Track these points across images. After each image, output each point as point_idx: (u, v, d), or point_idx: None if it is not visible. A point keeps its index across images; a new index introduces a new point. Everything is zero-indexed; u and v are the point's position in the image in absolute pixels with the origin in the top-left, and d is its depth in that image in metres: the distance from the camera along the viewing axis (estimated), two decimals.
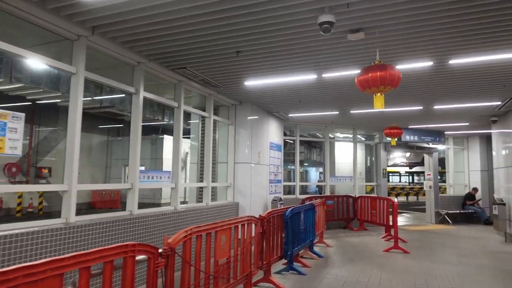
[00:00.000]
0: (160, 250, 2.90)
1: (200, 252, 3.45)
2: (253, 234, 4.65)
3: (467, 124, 10.43)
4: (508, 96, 7.12)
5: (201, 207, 6.58)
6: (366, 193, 12.74)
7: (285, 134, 11.21)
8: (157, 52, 4.99)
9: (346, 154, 12.37)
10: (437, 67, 5.39)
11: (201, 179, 7.64)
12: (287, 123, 10.66)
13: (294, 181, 10.85)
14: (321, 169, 28.43)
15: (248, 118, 8.17)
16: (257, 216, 4.84)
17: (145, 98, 5.53)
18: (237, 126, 8.19)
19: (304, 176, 37.98)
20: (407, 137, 11.31)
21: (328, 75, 5.84)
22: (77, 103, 4.23)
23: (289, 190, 10.87)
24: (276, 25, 4.02)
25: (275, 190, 9.50)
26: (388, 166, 34.34)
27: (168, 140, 18.69)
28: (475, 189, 12.51)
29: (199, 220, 6.34)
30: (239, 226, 4.28)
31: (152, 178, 5.64)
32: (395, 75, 3.85)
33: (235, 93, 7.35)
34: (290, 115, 9.49)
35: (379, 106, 4.00)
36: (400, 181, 37.66)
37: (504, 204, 8.78)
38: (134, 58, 5.10)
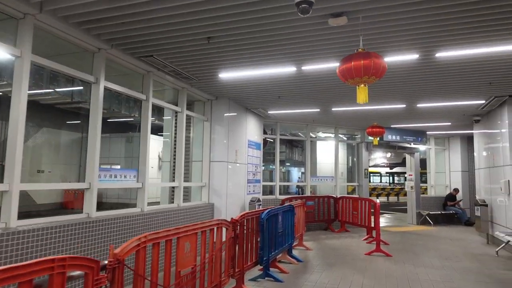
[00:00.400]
0: (106, 262, 2.43)
1: (157, 262, 2.98)
2: (224, 239, 4.21)
3: (450, 124, 10.28)
4: (492, 95, 6.91)
5: (172, 208, 6.09)
6: (348, 193, 12.49)
7: (265, 132, 10.81)
8: (120, 36, 4.49)
9: (328, 154, 12.08)
10: (423, 61, 5.08)
11: (173, 179, 7.14)
12: (267, 121, 10.25)
13: (274, 181, 10.45)
14: (303, 169, 28.23)
15: (225, 114, 7.72)
16: (230, 219, 4.40)
17: (113, 91, 5.02)
18: (213, 123, 7.73)
19: (286, 176, 37.78)
20: (389, 137, 11.09)
21: (308, 67, 5.45)
22: (20, 91, 3.69)
23: (270, 190, 10.47)
24: (250, 7, 3.59)
25: (254, 190, 9.08)
26: (370, 166, 34.55)
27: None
28: (456, 190, 12.43)
29: (169, 223, 5.85)
30: (207, 231, 3.83)
31: (115, 177, 5.12)
32: (380, 64, 3.48)
33: (210, 87, 6.89)
34: (269, 112, 9.09)
35: (362, 98, 3.62)
36: (381, 182, 37.89)
37: (486, 206, 8.62)
38: (93, 43, 4.57)
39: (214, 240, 3.97)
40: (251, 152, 9.03)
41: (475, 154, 10.00)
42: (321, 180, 11.30)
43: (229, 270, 4.27)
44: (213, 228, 3.90)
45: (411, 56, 4.88)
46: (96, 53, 4.76)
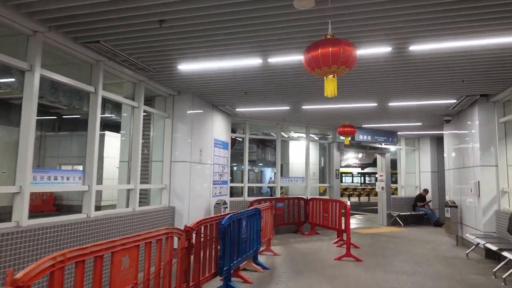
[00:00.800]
0: None
1: (81, 286, 2.44)
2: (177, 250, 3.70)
3: (420, 124, 10.18)
4: (464, 93, 6.75)
5: (125, 213, 5.50)
6: (320, 194, 12.22)
7: (234, 131, 10.34)
8: (59, 16, 3.87)
9: (302, 154, 11.74)
10: (396, 55, 4.77)
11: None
12: (236, 119, 9.78)
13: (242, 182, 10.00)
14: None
15: (188, 112, 7.17)
16: (184, 227, 3.90)
17: (56, 82, 4.40)
18: (175, 120, 7.17)
19: (259, 177, 37.41)
20: (360, 137, 10.88)
21: (274, 59, 5.02)
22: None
23: (242, 192, 10.01)
24: None
25: (220, 192, 8.58)
26: (342, 166, 34.77)
27: (110, 137, 17.09)
28: (426, 190, 12.42)
29: (122, 230, 5.26)
30: (153, 241, 3.31)
31: (55, 178, 4.49)
32: (351, 52, 3.09)
33: (170, 81, 6.33)
34: (237, 109, 8.62)
35: (330, 90, 3.22)
36: (352, 182, 38.29)
37: (456, 207, 8.52)
38: (26, 24, 3.94)
39: (163, 252, 3.46)
40: (217, 151, 8.53)
41: (444, 154, 9.95)
42: (291, 181, 10.95)
43: (181, 285, 3.76)
44: (161, 238, 3.38)
45: (384, 49, 4.55)
46: (31, 37, 4.12)
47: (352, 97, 7.16)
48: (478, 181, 7.24)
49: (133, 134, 6.22)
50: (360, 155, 32.12)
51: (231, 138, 9.97)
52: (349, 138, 9.55)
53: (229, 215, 4.74)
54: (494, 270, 5.74)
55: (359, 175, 39.36)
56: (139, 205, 6.26)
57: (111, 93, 5.47)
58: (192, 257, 4.02)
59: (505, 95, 6.60)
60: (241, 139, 10.99)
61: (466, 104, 7.52)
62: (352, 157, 34.98)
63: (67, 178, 4.71)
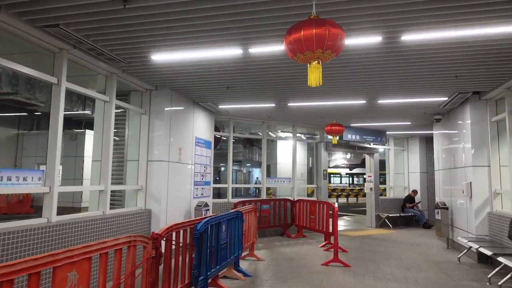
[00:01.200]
0: None
1: None
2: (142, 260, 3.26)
3: (410, 123, 9.90)
4: (457, 90, 6.45)
5: (94, 217, 5.02)
6: (308, 195, 11.86)
7: (218, 130, 9.91)
8: None
9: (289, 155, 11.37)
10: (387, 46, 4.41)
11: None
12: (219, 117, 9.35)
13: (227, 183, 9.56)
14: None
15: (166, 109, 6.71)
16: (151, 233, 3.45)
17: (33, 79, 3.91)
18: (152, 116, 6.70)
19: (247, 177, 36.99)
20: (348, 136, 10.55)
21: (255, 50, 4.62)
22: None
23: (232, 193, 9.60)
24: None
25: (202, 194, 8.13)
26: (330, 167, 34.57)
27: (90, 136, 16.48)
28: (415, 191, 12.18)
29: (89, 236, 4.78)
30: (111, 252, 2.87)
31: (8, 179, 4.00)
32: (338, 35, 2.70)
33: (145, 73, 5.87)
34: (220, 106, 8.18)
35: (315, 79, 2.83)
36: (341, 183, 38.12)
37: (447, 209, 8.24)
38: None
39: (122, 264, 3.01)
40: (199, 151, 8.08)
41: (434, 154, 9.69)
42: (277, 182, 10.55)
43: None
44: (121, 248, 2.93)
45: (374, 39, 4.19)
46: None
47: (340, 93, 6.81)
48: (470, 182, 6.95)
49: (104, 131, 5.73)
50: (348, 156, 31.97)
51: (215, 137, 9.55)
52: (337, 138, 9.22)
53: (205, 219, 4.31)
54: (489, 276, 5.43)
55: (348, 175, 39.22)
56: (113, 208, 5.79)
57: (79, 86, 4.99)
58: (161, 267, 3.58)
59: (498, 92, 6.32)
60: (225, 138, 10.55)
61: (457, 102, 7.24)
62: (340, 158, 34.83)
63: (24, 179, 4.21)
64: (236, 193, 27.03)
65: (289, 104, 7.81)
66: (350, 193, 27.04)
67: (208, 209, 7.61)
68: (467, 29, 3.90)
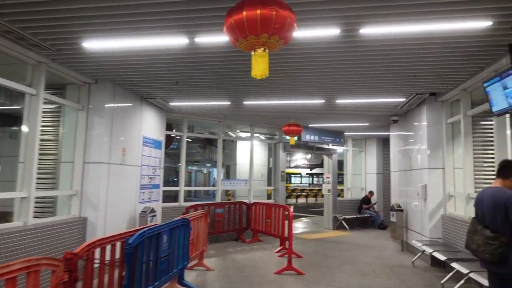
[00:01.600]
0: None
1: None
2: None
3: (368, 124, 9.83)
4: (414, 91, 6.33)
5: (10, 229, 4.29)
6: (268, 196, 11.49)
7: (171, 129, 9.28)
8: None
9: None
10: (345, 39, 4.09)
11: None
12: (172, 115, 8.72)
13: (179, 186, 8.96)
14: (224, 171, 27.00)
15: (108, 105, 6.04)
16: (64, 254, 2.86)
17: None
18: (90, 113, 6.00)
19: (207, 178, 36.18)
20: (307, 137, 10.31)
21: (202, 40, 4.14)
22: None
23: (189, 195, 8.97)
24: None
25: (150, 198, 7.50)
26: (291, 167, 34.65)
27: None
28: (371, 192, 12.23)
29: (4, 254, 4.05)
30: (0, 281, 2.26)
31: None
32: (287, 17, 2.28)
33: (79, 64, 5.18)
34: (171, 103, 7.59)
35: (260, 69, 2.39)
36: (301, 183, 38.36)
37: (402, 211, 8.20)
38: None
39: None
40: (147, 151, 7.44)
41: (390, 156, 9.68)
42: (234, 184, 10.10)
43: None
44: (15, 277, 2.33)
45: (332, 31, 3.85)
46: None
47: (298, 91, 6.47)
48: (426, 185, 6.89)
49: (29, 128, 4.98)
50: (308, 156, 32.19)
51: (168, 136, 8.93)
52: (295, 138, 8.93)
53: (140, 231, 3.76)
54: (442, 282, 5.32)
55: (308, 175, 39.57)
56: (41, 217, 5.06)
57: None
58: None
59: (454, 94, 6.27)
60: (179, 137, 9.94)
61: (414, 104, 7.16)
62: (301, 158, 35.03)
63: None
64: (196, 194, 26.23)
65: (244, 103, 7.38)
66: (310, 193, 27.17)
67: (155, 215, 7.01)
68: (425, 23, 3.65)
